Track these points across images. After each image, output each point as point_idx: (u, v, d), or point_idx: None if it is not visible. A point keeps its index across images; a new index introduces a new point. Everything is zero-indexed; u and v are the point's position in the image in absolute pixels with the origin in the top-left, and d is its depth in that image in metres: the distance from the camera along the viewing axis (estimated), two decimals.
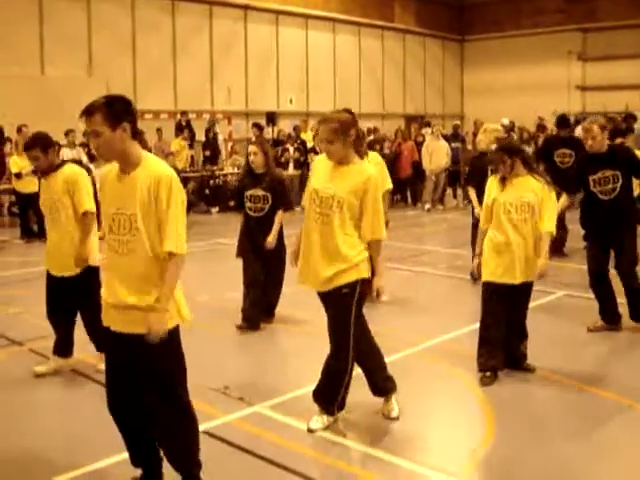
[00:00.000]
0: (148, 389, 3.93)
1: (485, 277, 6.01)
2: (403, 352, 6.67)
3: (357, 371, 5.16)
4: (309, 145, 19.19)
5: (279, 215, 7.41)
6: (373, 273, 5.00)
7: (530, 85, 28.47)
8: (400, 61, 30.19)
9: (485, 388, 5.79)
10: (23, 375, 6.15)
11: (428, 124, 21.54)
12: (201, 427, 4.96)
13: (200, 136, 20.14)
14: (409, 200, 19.77)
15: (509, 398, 5.70)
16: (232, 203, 7.76)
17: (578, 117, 27.55)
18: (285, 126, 21.73)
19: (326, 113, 4.99)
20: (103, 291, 3.95)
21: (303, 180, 16.63)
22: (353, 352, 4.91)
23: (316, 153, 19.01)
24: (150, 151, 15.52)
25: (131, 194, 3.72)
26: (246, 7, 23.86)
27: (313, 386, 5.09)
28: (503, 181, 5.98)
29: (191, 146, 19.58)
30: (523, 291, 6.04)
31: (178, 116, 20.10)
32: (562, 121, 11.78)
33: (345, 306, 4.82)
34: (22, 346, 7.00)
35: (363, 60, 28.40)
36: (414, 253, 12.28)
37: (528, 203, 5.87)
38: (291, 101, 25.41)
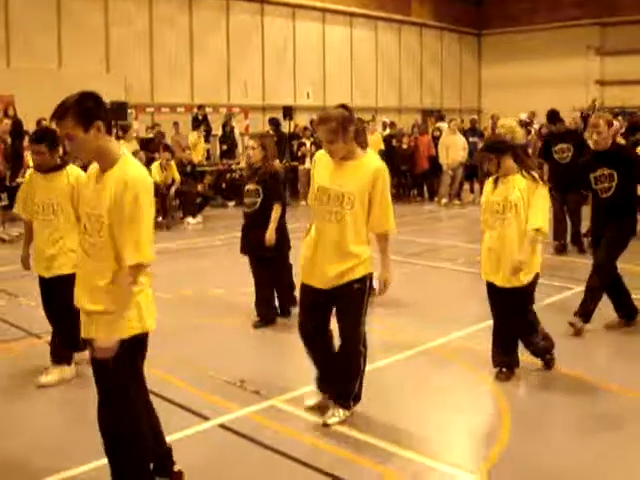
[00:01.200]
0: (101, 400, 3.75)
1: (482, 275, 5.96)
2: (420, 347, 6.66)
3: (370, 366, 5.15)
4: None
5: (274, 209, 7.23)
6: None
7: (548, 80, 28.28)
8: (417, 55, 30.10)
9: (502, 384, 5.76)
10: (38, 368, 6.16)
11: (442, 118, 21.46)
12: (217, 420, 5.02)
13: (217, 130, 20.16)
14: (426, 195, 19.72)
15: (526, 395, 5.69)
16: None
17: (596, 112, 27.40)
18: (302, 120, 21.71)
19: (322, 112, 4.87)
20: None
21: None
22: (364, 346, 4.96)
23: None
24: (166, 146, 15.52)
25: (102, 195, 3.59)
26: (263, 1, 23.86)
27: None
28: (496, 181, 5.80)
29: (207, 140, 19.60)
30: (515, 294, 5.76)
31: (195, 110, 20.12)
32: (551, 116, 11.48)
33: (357, 302, 4.85)
34: (40, 339, 7.03)
35: (380, 54, 28.33)
36: (431, 248, 12.24)
37: (511, 202, 5.62)
38: (308, 95, 25.39)
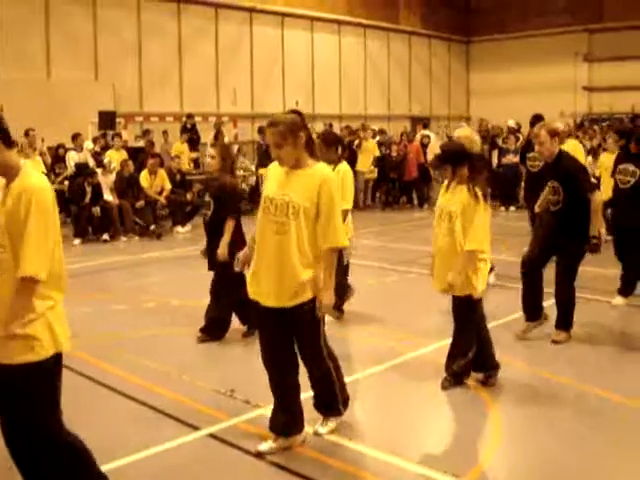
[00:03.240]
0: (17, 427, 3.51)
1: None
2: (414, 353, 6.66)
3: (355, 376, 5.13)
4: None
5: (226, 224, 7.00)
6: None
7: (536, 86, 28.40)
8: (406, 63, 30.19)
9: (491, 391, 5.77)
10: None
11: (426, 125, 21.53)
12: (207, 430, 5.00)
13: (206, 138, 20.15)
14: (415, 202, 19.74)
15: (514, 401, 5.68)
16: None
17: (584, 118, 27.55)
18: None
19: (273, 116, 4.67)
20: None
21: None
22: (331, 358, 4.82)
23: None
24: (154, 154, 15.37)
25: (4, 208, 3.40)
26: (252, 10, 23.88)
27: None
28: (448, 187, 5.78)
29: (196, 149, 19.56)
30: (455, 304, 5.81)
31: (183, 119, 20.12)
32: (534, 121, 10.81)
33: (312, 322, 4.60)
34: None
35: (369, 62, 28.41)
36: (422, 255, 12.22)
37: (450, 213, 5.62)
38: (297, 103, 25.37)
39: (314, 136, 4.90)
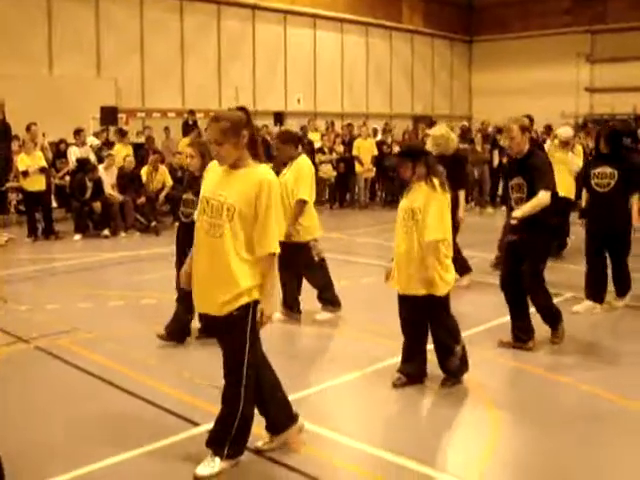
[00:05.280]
0: None
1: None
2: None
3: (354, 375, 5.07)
4: (317, 145, 19.24)
5: None
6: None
7: (538, 86, 28.42)
8: (408, 62, 30.19)
9: (490, 392, 5.77)
10: (19, 372, 6.15)
11: (432, 124, 21.49)
12: (206, 426, 4.99)
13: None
14: None
15: (513, 398, 5.70)
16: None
17: (586, 119, 27.53)
18: (293, 126, 21.75)
19: (217, 112, 4.47)
20: None
21: None
22: (248, 388, 4.36)
23: (323, 153, 19.05)
24: (155, 151, 15.32)
25: None
26: (254, 7, 23.89)
27: (318, 387, 5.06)
28: (408, 189, 5.74)
29: None
30: (424, 304, 5.68)
31: (185, 115, 20.12)
32: None
33: (237, 332, 4.26)
34: (28, 343, 7.02)
35: (371, 60, 28.41)
36: None
37: (412, 210, 5.58)
38: (299, 101, 25.42)
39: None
